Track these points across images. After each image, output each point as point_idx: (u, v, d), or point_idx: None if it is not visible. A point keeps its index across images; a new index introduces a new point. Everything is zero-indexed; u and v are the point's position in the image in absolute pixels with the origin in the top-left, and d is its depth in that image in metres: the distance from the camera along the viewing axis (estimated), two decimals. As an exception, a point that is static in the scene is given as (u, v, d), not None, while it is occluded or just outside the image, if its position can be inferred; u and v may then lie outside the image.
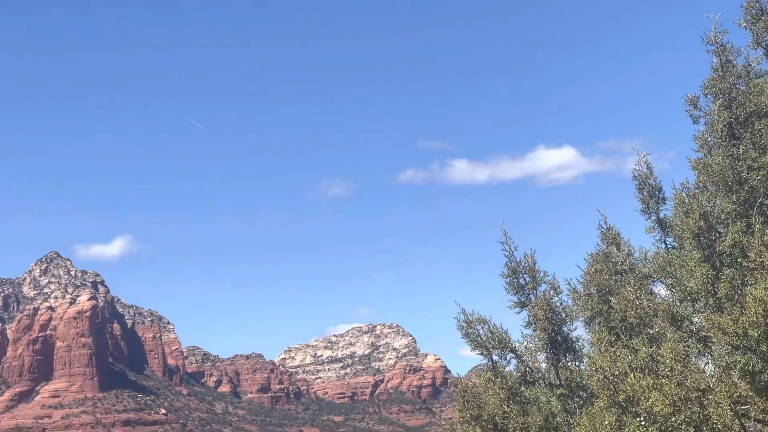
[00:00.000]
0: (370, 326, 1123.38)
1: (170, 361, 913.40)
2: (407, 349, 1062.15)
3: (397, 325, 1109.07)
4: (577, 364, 32.44)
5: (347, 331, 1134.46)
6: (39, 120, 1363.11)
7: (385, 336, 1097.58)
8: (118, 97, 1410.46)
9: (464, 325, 32.22)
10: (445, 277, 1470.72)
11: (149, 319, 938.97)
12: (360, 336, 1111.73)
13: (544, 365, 32.32)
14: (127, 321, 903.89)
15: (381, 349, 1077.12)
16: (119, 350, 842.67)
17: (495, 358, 32.40)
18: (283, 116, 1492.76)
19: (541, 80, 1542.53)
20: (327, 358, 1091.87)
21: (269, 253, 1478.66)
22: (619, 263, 32.49)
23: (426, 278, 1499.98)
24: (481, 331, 32.18)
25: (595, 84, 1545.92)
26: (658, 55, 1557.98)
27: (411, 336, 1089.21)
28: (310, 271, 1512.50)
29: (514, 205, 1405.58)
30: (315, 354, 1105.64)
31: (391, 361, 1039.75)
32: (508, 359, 32.36)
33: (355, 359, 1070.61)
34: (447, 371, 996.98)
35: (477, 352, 32.27)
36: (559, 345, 31.94)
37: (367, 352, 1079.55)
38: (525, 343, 32.18)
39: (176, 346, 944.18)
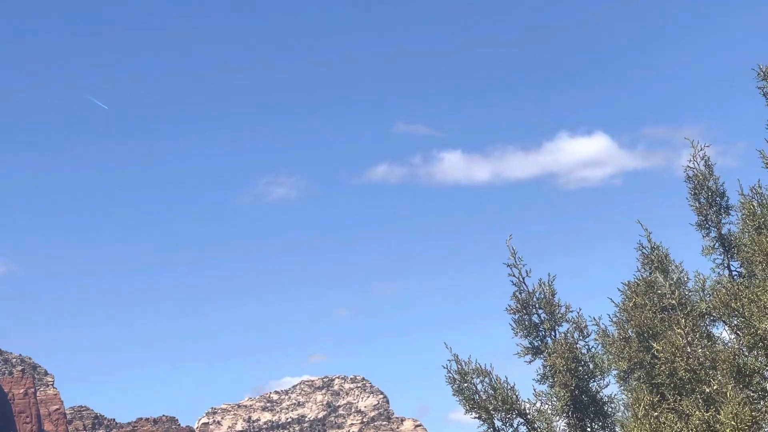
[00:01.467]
0: (325, 380, 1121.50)
1: (48, 426, 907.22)
2: (376, 412, 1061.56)
3: (363, 379, 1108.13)
4: (608, 433, 32.78)
5: (294, 387, 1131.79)
6: None
7: (347, 393, 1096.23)
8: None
9: (456, 377, 32.47)
10: (429, 313, 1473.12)
11: (19, 368, 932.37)
12: (312, 393, 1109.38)
13: (563, 434, 32.61)
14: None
15: (341, 411, 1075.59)
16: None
17: (498, 423, 32.66)
18: (206, 97, 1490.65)
19: (565, 46, 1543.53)
20: (266, 423, 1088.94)
21: (185, 280, 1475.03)
22: (667, 296, 32.77)
23: (401, 315, 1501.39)
24: (479, 386, 32.45)
25: (638, 52, 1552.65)
26: (724, 18, 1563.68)
27: (382, 393, 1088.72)
28: (243, 305, 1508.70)
29: (526, 213, 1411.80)
30: (249, 418, 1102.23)
31: (355, 429, 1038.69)
32: (515, 426, 32.64)
33: (305, 425, 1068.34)
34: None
35: (473, 414, 32.52)
36: (586, 407, 32.26)
37: (321, 415, 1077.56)
38: (538, 404, 32.45)
39: (57, 406, 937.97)
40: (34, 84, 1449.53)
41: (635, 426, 26.37)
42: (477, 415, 32.64)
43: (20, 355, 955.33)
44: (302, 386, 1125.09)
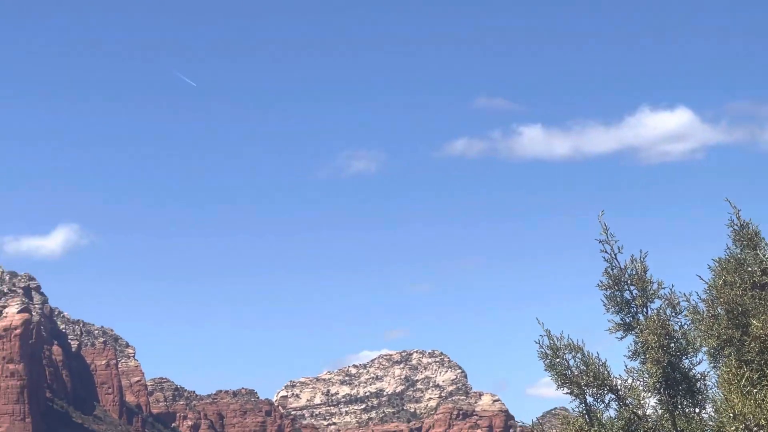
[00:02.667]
0: (403, 354, 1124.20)
1: (129, 397, 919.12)
2: (454, 386, 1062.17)
3: (441, 353, 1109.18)
4: (698, 411, 32.77)
5: (372, 361, 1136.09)
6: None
7: (425, 368, 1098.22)
8: (63, 53, 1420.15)
9: (549, 353, 32.64)
10: (508, 288, 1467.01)
11: (101, 340, 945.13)
12: (390, 367, 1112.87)
13: (655, 411, 32.65)
14: (71, 342, 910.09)
15: (419, 385, 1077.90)
16: (60, 381, 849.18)
17: (589, 399, 32.75)
18: (284, 71, 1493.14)
19: (647, 19, 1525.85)
20: (344, 396, 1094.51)
21: (266, 252, 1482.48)
22: (757, 273, 32.67)
23: (481, 290, 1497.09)
24: (571, 362, 32.56)
25: (722, 24, 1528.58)
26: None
27: (460, 368, 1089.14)
28: (322, 280, 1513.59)
29: (607, 188, 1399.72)
30: (328, 391, 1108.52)
31: (433, 403, 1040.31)
32: (606, 401, 32.73)
33: (383, 399, 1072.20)
34: (509, 417, 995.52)
35: (565, 390, 32.66)
36: (678, 384, 32.29)
37: (399, 390, 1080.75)
38: (630, 381, 32.50)
39: (138, 378, 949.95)
40: (126, 54, 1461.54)
41: (739, 401, 26.25)
42: (569, 391, 32.80)
43: (102, 327, 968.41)
44: (380, 360, 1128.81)
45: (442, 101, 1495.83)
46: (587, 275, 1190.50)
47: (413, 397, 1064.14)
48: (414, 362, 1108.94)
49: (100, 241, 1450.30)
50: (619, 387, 32.49)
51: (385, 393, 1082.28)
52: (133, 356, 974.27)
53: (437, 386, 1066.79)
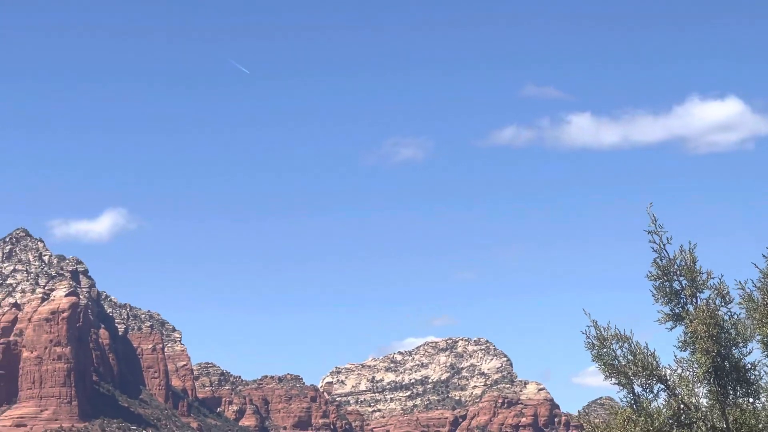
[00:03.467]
0: (449, 341, 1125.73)
1: (175, 382, 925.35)
2: (500, 375, 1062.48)
3: (486, 341, 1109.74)
4: (751, 401, 32.54)
5: (418, 348, 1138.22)
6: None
7: (470, 356, 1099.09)
8: (107, 34, 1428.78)
9: (596, 343, 32.46)
10: (556, 276, 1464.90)
11: (148, 324, 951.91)
12: (435, 355, 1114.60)
13: (705, 401, 32.49)
14: (118, 326, 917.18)
15: (464, 373, 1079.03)
16: (107, 365, 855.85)
17: (637, 389, 32.59)
18: (331, 59, 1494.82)
19: (697, 8, 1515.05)
20: (389, 383, 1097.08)
21: (313, 239, 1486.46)
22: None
23: (527, 279, 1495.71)
24: (618, 352, 32.39)
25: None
26: None
27: (505, 356, 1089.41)
28: (368, 267, 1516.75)
29: (657, 177, 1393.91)
30: (373, 378, 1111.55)
31: (478, 391, 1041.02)
32: (655, 391, 32.54)
33: (428, 386, 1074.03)
34: (555, 406, 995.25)
35: (613, 380, 32.49)
36: (728, 374, 32.04)
37: (444, 377, 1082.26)
38: (679, 371, 32.32)
39: (184, 363, 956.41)
40: (179, 44, 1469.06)
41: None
42: (616, 381, 32.63)
43: (149, 311, 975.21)
44: (426, 347, 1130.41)
45: (491, 89, 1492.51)
46: (635, 265, 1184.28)
47: (458, 384, 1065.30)
48: (459, 350, 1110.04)
49: (148, 226, 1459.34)
50: (668, 377, 32.31)
51: (430, 380, 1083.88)
52: (180, 341, 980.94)
53: (482, 374, 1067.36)
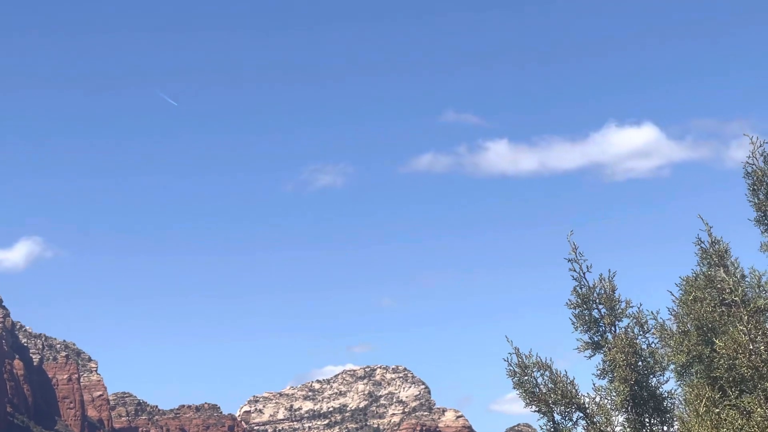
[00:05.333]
0: (367, 369, 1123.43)
1: (91, 412, 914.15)
2: (418, 402, 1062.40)
3: (405, 369, 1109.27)
4: (666, 429, 32.87)
5: (336, 376, 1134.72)
6: None
7: (388, 383, 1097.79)
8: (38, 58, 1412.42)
9: (517, 370, 32.69)
10: (472, 304, 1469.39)
11: (63, 354, 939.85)
12: (353, 383, 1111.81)
13: (622, 430, 32.73)
14: (33, 356, 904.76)
15: (382, 400, 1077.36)
16: (21, 396, 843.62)
17: (557, 417, 32.82)
18: (249, 84, 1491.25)
19: (614, 34, 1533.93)
20: (307, 412, 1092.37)
21: (229, 267, 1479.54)
22: (727, 291, 32.68)
23: (445, 306, 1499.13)
24: (539, 380, 32.63)
25: (688, 43, 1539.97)
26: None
27: (423, 384, 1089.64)
28: (286, 295, 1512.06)
29: (574, 204, 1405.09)
30: (291, 406, 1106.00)
31: (396, 418, 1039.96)
32: (574, 419, 32.81)
33: (347, 414, 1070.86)
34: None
35: (533, 407, 32.72)
36: (645, 402, 32.39)
37: (362, 405, 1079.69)
38: (598, 399, 32.58)
39: (100, 392, 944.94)
40: (109, 75, 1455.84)
41: (696, 422, 26.49)
42: (537, 408, 32.87)
43: (64, 340, 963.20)
44: (344, 376, 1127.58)
45: (409, 116, 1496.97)
46: (555, 291, 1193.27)
47: (376, 412, 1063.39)
48: (377, 378, 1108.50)
49: (64, 254, 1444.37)
50: (587, 405, 32.54)
51: (348, 408, 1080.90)
52: (96, 370, 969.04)
53: (401, 402, 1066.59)
